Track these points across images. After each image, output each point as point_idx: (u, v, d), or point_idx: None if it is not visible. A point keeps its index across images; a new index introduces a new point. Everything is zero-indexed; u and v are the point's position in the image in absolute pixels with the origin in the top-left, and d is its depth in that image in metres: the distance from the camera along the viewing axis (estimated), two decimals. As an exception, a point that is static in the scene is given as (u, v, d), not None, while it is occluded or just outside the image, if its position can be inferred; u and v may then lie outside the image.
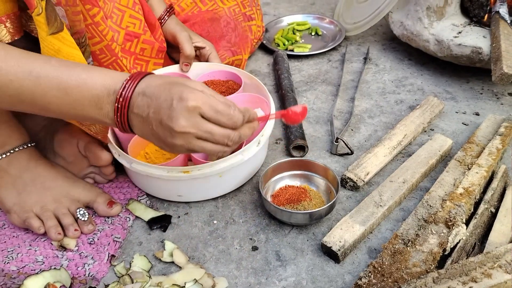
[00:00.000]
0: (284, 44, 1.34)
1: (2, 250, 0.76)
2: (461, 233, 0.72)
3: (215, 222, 0.81)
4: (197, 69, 1.02)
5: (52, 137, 0.85)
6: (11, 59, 0.60)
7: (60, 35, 0.69)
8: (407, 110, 1.07)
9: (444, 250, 0.70)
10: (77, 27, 0.76)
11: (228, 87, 0.99)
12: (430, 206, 0.77)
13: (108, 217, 0.81)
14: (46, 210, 0.77)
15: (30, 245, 0.77)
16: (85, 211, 0.79)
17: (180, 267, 0.73)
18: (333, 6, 1.58)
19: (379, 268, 0.67)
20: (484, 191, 0.81)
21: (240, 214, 0.82)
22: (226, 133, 0.64)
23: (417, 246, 0.70)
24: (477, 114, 1.04)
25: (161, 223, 0.80)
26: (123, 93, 0.63)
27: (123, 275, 0.70)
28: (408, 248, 0.70)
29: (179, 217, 0.82)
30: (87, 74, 0.63)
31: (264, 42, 1.32)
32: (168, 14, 1.00)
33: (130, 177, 0.89)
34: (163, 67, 1.00)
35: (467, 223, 0.74)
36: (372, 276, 0.67)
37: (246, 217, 0.82)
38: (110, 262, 0.74)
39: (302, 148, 0.95)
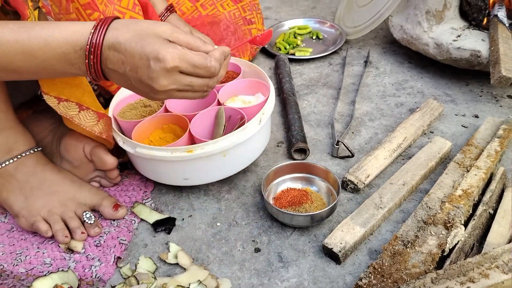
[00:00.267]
0: (285, 48, 1.36)
1: (11, 253, 0.78)
2: (459, 235, 0.73)
3: (218, 224, 0.83)
4: None
5: (58, 142, 0.87)
6: None
7: None
8: (407, 113, 1.08)
9: (443, 251, 0.71)
10: None
11: (227, 77, 1.00)
12: (430, 208, 0.78)
13: (114, 220, 0.83)
14: (53, 214, 0.78)
15: (38, 247, 0.79)
16: (91, 214, 0.80)
17: (184, 269, 0.74)
18: (334, 10, 1.59)
19: (379, 269, 0.69)
20: (482, 193, 0.82)
21: (243, 216, 0.84)
22: (205, 82, 0.66)
23: (416, 247, 0.71)
24: (477, 116, 1.05)
25: (165, 225, 0.82)
26: (92, 49, 0.62)
27: (129, 277, 0.72)
28: (408, 249, 0.71)
29: (183, 219, 0.84)
30: (47, 32, 0.62)
31: (266, 46, 1.34)
32: (169, 12, 1.02)
33: (136, 167, 0.89)
34: None
35: (465, 224, 0.76)
36: (372, 276, 0.68)
37: (248, 219, 0.83)
38: (116, 264, 0.76)
39: (304, 151, 0.96)
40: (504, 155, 0.91)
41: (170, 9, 1.03)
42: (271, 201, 0.84)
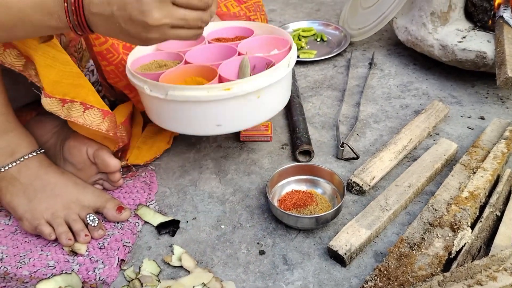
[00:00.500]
0: (289, 50, 1.35)
1: (14, 255, 0.78)
2: (466, 237, 0.72)
3: (222, 226, 0.82)
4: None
5: (62, 144, 0.87)
6: None
7: (52, 42, 0.70)
8: (412, 115, 1.07)
9: (450, 253, 0.70)
10: (70, 35, 0.78)
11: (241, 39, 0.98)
12: (436, 210, 0.77)
13: (117, 222, 0.83)
14: (57, 217, 0.78)
15: (41, 250, 0.78)
16: (95, 217, 0.80)
17: (188, 271, 0.74)
18: (338, 12, 1.59)
19: (385, 272, 0.68)
20: (489, 195, 0.81)
21: (247, 218, 0.83)
22: (199, 15, 0.63)
23: (422, 250, 0.71)
24: (482, 118, 1.05)
25: (169, 228, 0.81)
26: None
27: (132, 279, 0.71)
28: (414, 251, 0.71)
29: (187, 222, 0.83)
30: None
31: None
32: None
33: (161, 121, 0.85)
34: None
35: (472, 226, 0.75)
36: (378, 279, 0.67)
37: (253, 221, 0.83)
38: (120, 266, 0.75)
39: (308, 153, 0.96)
40: (510, 156, 0.90)
41: None
42: (276, 203, 0.83)
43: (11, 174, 0.79)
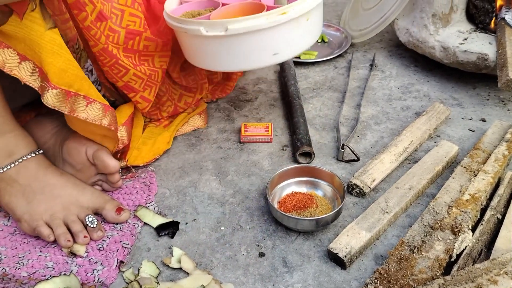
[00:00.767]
0: (290, 51, 1.35)
1: (13, 256, 0.77)
2: (467, 240, 0.72)
3: (222, 228, 0.82)
4: None
5: (61, 145, 0.86)
6: None
7: (57, 29, 0.70)
8: (413, 117, 1.07)
9: (450, 256, 0.70)
10: (68, 35, 0.77)
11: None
12: (436, 212, 0.77)
13: (116, 224, 0.82)
14: (56, 218, 0.78)
15: (40, 251, 0.78)
16: (94, 218, 0.80)
17: (187, 273, 0.74)
18: (339, 13, 1.59)
19: (385, 275, 0.68)
20: (490, 198, 0.81)
21: (247, 220, 0.83)
22: None
23: (423, 253, 0.70)
24: (484, 120, 1.04)
25: (169, 229, 0.81)
26: None
27: (131, 281, 0.71)
28: (414, 254, 0.70)
29: (186, 223, 0.83)
30: None
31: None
32: None
33: (216, 63, 0.88)
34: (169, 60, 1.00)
35: (473, 229, 0.75)
36: (378, 282, 0.67)
37: (253, 223, 0.82)
38: (119, 268, 0.75)
39: (309, 155, 0.95)
40: (512, 159, 0.90)
41: None
42: (276, 205, 0.83)
43: (10, 175, 0.79)
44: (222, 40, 0.82)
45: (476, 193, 0.79)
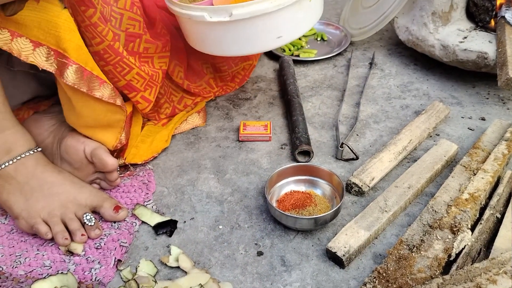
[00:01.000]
0: (289, 50, 1.35)
1: (10, 255, 0.77)
2: (466, 239, 0.71)
3: (220, 227, 0.82)
4: None
5: (59, 143, 0.86)
6: None
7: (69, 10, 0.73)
8: (413, 115, 1.07)
9: (449, 256, 0.70)
10: None
11: None
12: (435, 211, 0.77)
13: (114, 222, 0.82)
14: (53, 216, 0.77)
15: (38, 249, 0.78)
16: (91, 216, 0.79)
17: (185, 272, 0.73)
18: (339, 11, 1.58)
19: (384, 274, 0.67)
20: (489, 197, 0.81)
21: (246, 219, 0.83)
22: None
23: (422, 252, 0.70)
24: (483, 119, 1.04)
25: (167, 228, 0.81)
26: None
27: (129, 280, 0.71)
28: (413, 253, 0.70)
29: (185, 222, 0.83)
30: None
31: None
32: None
33: (221, 47, 0.88)
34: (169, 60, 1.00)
35: (472, 228, 0.74)
36: (376, 281, 0.67)
37: (251, 222, 0.82)
38: (116, 266, 0.75)
39: (308, 154, 0.95)
40: (511, 158, 0.89)
41: None
42: (274, 204, 0.83)
43: (8, 172, 0.78)
44: (226, 26, 0.83)
45: (475, 192, 0.79)
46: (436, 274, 0.67)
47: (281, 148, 0.99)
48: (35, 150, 0.81)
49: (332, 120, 1.07)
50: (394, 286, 0.66)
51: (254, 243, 0.78)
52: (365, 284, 0.67)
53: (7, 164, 0.78)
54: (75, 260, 0.76)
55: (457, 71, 1.17)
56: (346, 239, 0.74)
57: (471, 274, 0.63)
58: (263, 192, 0.87)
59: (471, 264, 0.66)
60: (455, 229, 0.72)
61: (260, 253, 0.76)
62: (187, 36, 0.95)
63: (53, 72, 0.75)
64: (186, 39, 0.96)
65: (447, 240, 0.71)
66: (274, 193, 0.85)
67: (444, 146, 0.92)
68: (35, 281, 0.70)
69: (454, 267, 0.68)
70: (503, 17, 1.09)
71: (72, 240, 0.77)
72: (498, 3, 1.12)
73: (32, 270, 0.74)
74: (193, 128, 1.06)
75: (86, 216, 0.79)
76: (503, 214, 0.77)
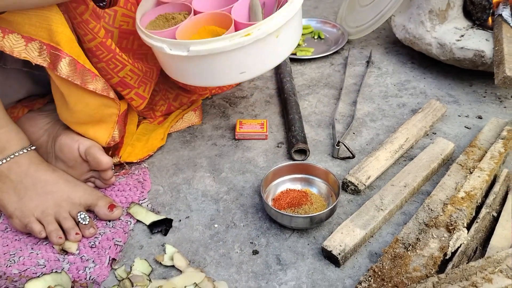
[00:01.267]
0: (286, 48, 1.34)
1: (4, 253, 0.76)
2: (462, 238, 0.71)
3: (216, 226, 0.81)
4: None
5: (53, 141, 0.86)
6: None
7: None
8: (410, 114, 1.06)
9: (445, 254, 0.70)
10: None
11: None
12: (431, 210, 0.77)
13: (109, 221, 0.81)
14: (47, 215, 0.77)
15: (32, 248, 0.77)
16: (86, 215, 0.79)
17: (180, 271, 0.73)
18: (336, 10, 1.58)
19: (379, 272, 0.67)
20: (486, 195, 0.80)
21: (241, 217, 0.82)
22: None
23: (417, 251, 0.70)
24: (480, 117, 1.04)
25: (162, 226, 0.80)
26: None
27: (123, 279, 0.70)
28: (409, 252, 0.70)
29: (180, 220, 0.82)
30: None
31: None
32: None
33: (183, 78, 0.86)
34: None
35: (468, 227, 0.74)
36: (372, 280, 0.66)
37: (247, 220, 0.82)
38: (111, 265, 0.74)
39: (304, 152, 0.95)
40: (508, 156, 0.89)
41: None
42: (270, 202, 0.82)
43: (1, 171, 0.78)
44: (186, 59, 0.80)
45: (471, 191, 0.79)
46: (432, 273, 0.67)
47: (277, 146, 0.99)
48: (29, 149, 0.80)
49: (329, 118, 1.07)
50: (390, 285, 0.65)
51: (249, 241, 0.78)
52: (360, 283, 0.67)
53: (0, 163, 0.78)
54: (69, 259, 0.75)
55: (454, 69, 1.17)
56: (341, 238, 0.73)
57: (466, 273, 0.62)
58: (259, 191, 0.87)
59: (467, 263, 0.66)
60: (451, 227, 0.72)
61: (255, 252, 0.76)
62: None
63: (46, 66, 0.74)
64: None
65: (443, 238, 0.71)
66: (270, 191, 0.85)
67: (440, 144, 0.92)
68: (29, 280, 0.70)
69: (449, 266, 0.68)
70: (500, 15, 1.09)
71: (66, 239, 0.77)
72: (495, 1, 1.12)
73: (26, 269, 0.74)
74: (189, 127, 1.05)
75: (80, 215, 0.78)
76: (499, 213, 0.76)
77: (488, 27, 1.12)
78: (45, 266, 0.74)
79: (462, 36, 1.10)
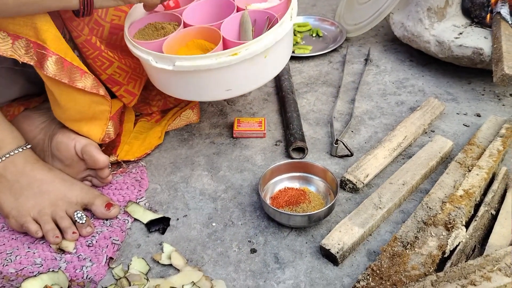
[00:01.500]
0: (284, 46, 1.34)
1: (1, 253, 0.76)
2: (460, 236, 0.71)
3: (214, 224, 0.81)
4: None
5: (50, 140, 0.85)
6: None
7: None
8: (408, 112, 1.06)
9: (444, 252, 0.69)
10: (54, 21, 0.77)
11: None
12: (430, 208, 0.76)
13: (106, 220, 0.81)
14: (44, 214, 0.77)
15: (29, 247, 0.77)
16: (82, 214, 0.78)
17: (178, 270, 0.73)
18: (334, 7, 1.58)
19: (378, 271, 0.67)
20: (484, 193, 0.80)
21: (239, 216, 0.82)
22: None
23: (416, 249, 0.70)
24: (479, 115, 1.04)
25: (159, 225, 0.80)
26: None
27: (120, 278, 0.70)
28: (407, 250, 0.70)
29: (177, 219, 0.82)
30: None
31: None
32: None
33: (168, 89, 0.85)
34: None
35: (467, 225, 0.74)
36: (370, 279, 0.66)
37: (245, 219, 0.81)
38: (108, 264, 0.74)
39: (302, 150, 0.94)
40: (506, 154, 0.89)
41: None
42: (268, 201, 0.82)
43: None
44: (171, 73, 0.79)
45: (470, 189, 0.78)
46: (430, 271, 0.67)
47: (276, 144, 0.99)
48: (24, 148, 0.80)
49: (327, 116, 1.07)
50: (388, 283, 0.65)
51: (247, 240, 0.78)
52: (358, 282, 0.66)
53: None
54: (66, 258, 0.75)
55: (453, 67, 1.16)
56: (340, 236, 0.73)
57: (465, 271, 0.62)
58: (257, 189, 0.86)
59: (466, 261, 0.66)
60: (449, 226, 0.72)
61: (253, 251, 0.76)
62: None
63: (34, 64, 0.74)
64: None
65: (441, 237, 0.71)
66: (268, 190, 0.85)
67: (439, 142, 0.91)
68: (25, 279, 0.69)
69: (448, 264, 0.68)
70: (499, 13, 1.09)
71: (63, 238, 0.77)
72: (493, -1, 1.11)
73: (23, 268, 0.73)
74: (187, 125, 1.05)
75: (77, 214, 0.78)
76: (497, 211, 0.76)
77: (486, 25, 1.12)
78: (42, 265, 0.74)
79: (461, 33, 1.10)
